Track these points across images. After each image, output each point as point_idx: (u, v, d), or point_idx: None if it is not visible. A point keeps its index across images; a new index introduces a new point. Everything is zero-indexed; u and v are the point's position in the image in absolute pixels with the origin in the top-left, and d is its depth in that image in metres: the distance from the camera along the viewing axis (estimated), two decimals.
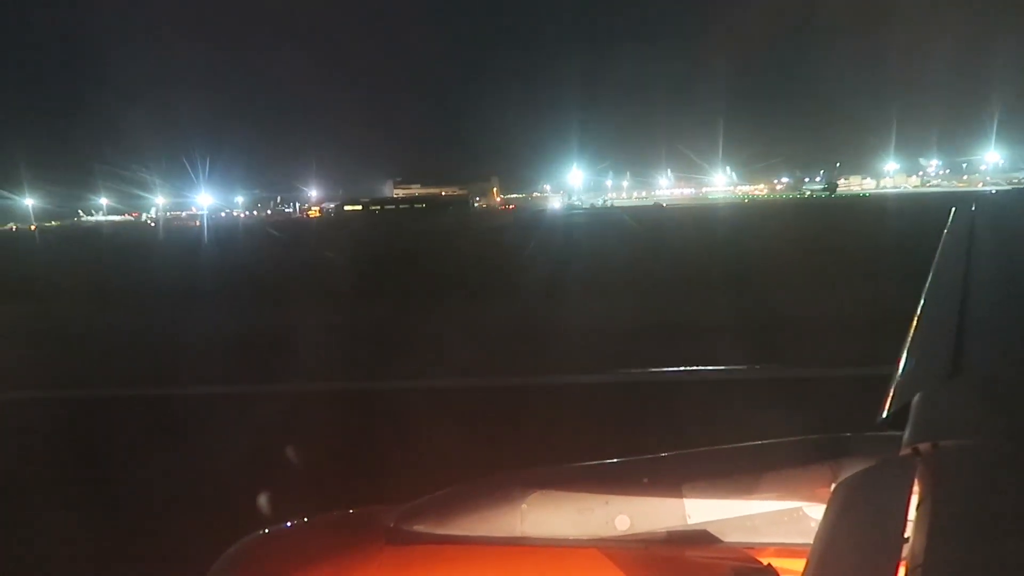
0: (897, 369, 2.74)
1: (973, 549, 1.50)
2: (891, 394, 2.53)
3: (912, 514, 1.64)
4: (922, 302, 3.49)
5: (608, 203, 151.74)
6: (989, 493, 1.72)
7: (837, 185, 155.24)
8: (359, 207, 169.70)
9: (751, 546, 2.13)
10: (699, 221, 67.51)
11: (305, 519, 2.56)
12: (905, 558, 1.51)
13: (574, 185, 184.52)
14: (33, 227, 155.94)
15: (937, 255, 4.30)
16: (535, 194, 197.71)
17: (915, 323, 3.20)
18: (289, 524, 2.54)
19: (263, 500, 7.06)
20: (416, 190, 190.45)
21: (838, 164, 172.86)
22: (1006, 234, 5.51)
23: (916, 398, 2.27)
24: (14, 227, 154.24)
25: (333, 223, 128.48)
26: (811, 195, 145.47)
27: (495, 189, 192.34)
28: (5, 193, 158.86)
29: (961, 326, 2.90)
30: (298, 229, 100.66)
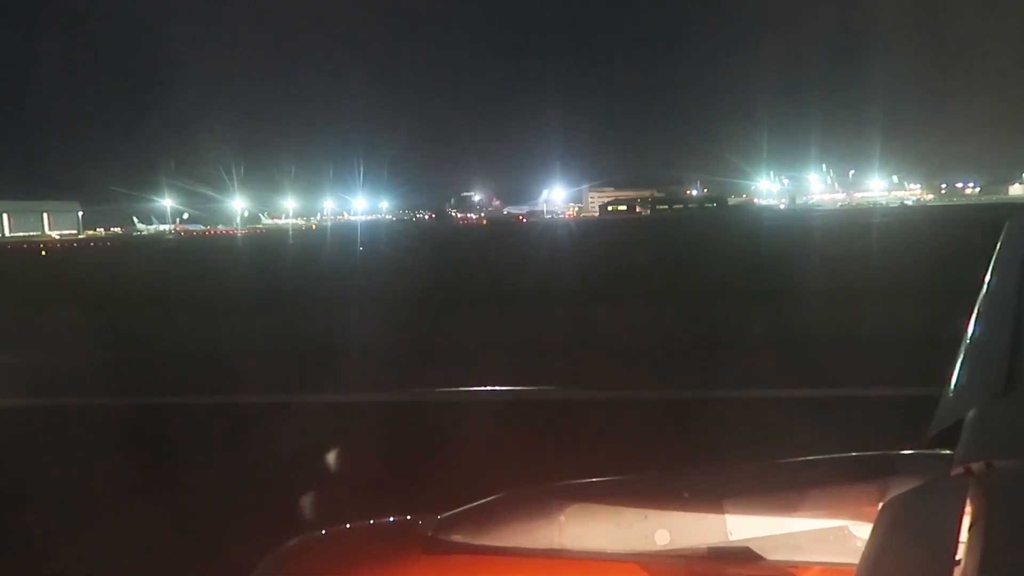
0: (948, 385, 2.63)
1: None
2: (941, 411, 2.43)
3: (964, 536, 1.57)
4: (974, 316, 3.34)
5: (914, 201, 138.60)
6: None
7: None
8: (623, 207, 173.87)
9: (795, 564, 2.07)
10: None
11: (344, 526, 2.57)
12: None
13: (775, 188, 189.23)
14: (314, 225, 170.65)
15: (990, 267, 4.08)
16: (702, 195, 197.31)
17: (967, 338, 3.06)
18: (327, 531, 2.57)
19: None
20: (610, 194, 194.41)
21: None
22: None
23: (969, 415, 2.17)
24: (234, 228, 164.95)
25: (667, 222, 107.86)
26: None
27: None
28: (216, 195, 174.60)
29: (1016, 341, 2.76)
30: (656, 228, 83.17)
